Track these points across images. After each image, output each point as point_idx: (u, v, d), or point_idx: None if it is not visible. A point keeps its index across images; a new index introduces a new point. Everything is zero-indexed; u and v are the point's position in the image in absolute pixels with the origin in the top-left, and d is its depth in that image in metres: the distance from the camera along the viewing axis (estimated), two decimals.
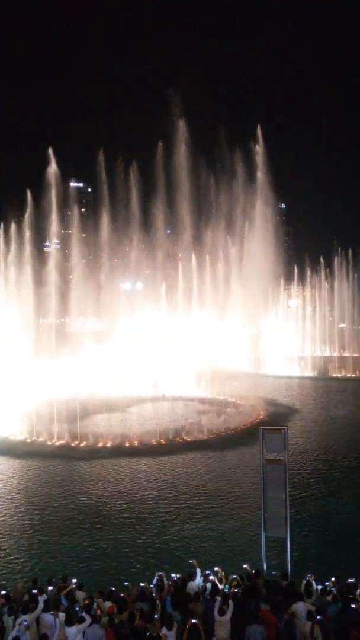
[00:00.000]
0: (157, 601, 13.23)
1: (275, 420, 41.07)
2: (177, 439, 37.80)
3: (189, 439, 37.78)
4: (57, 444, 37.14)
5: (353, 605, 12.45)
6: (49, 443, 37.36)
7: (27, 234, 67.82)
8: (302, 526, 21.12)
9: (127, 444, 36.44)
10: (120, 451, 35.16)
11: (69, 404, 43.16)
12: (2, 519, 24.54)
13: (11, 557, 20.38)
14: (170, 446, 36.17)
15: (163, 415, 45.47)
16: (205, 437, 38.18)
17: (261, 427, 15.79)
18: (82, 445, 36.53)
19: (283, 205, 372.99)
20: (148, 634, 11.98)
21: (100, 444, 36.48)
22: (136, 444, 36.39)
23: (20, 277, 65.09)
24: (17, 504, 26.52)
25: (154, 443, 36.66)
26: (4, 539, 22.12)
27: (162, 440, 37.10)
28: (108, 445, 36.28)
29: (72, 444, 36.79)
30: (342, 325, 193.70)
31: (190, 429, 39.18)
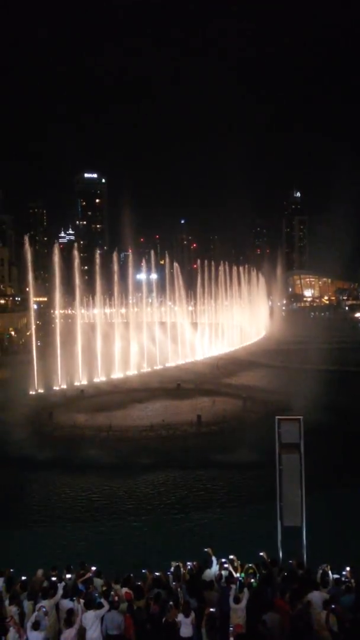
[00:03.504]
0: (176, 589, 13.33)
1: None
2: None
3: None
4: None
5: None
6: None
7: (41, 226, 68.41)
8: (319, 515, 21.08)
9: None
10: None
11: None
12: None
13: (33, 544, 20.75)
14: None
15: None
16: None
17: (277, 417, 15.70)
18: None
19: (298, 194, 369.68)
20: (164, 619, 12.13)
21: None
22: None
23: (34, 268, 65.49)
24: None
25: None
26: (24, 526, 22.53)
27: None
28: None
29: None
30: (358, 315, 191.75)
31: None
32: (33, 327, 68.82)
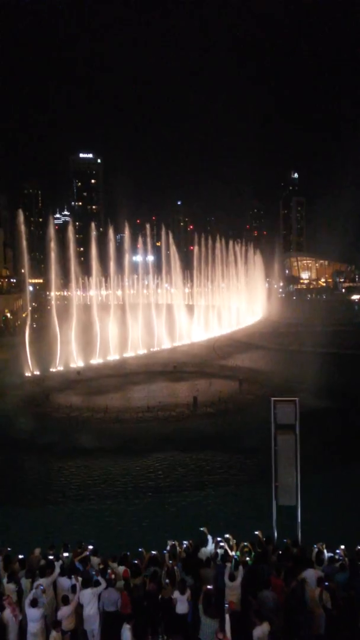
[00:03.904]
0: (172, 567, 13.50)
1: None
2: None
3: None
4: None
5: None
6: None
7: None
8: (314, 494, 21.30)
9: None
10: None
11: None
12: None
13: (31, 523, 20.93)
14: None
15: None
16: None
17: (272, 398, 15.75)
18: None
19: (296, 175, 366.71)
20: (160, 596, 12.32)
21: None
22: None
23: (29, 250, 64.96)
24: None
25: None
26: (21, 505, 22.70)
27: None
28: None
29: None
30: (354, 297, 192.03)
31: None
32: (29, 308, 68.63)
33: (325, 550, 13.98)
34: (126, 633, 11.26)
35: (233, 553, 14.21)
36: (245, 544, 14.74)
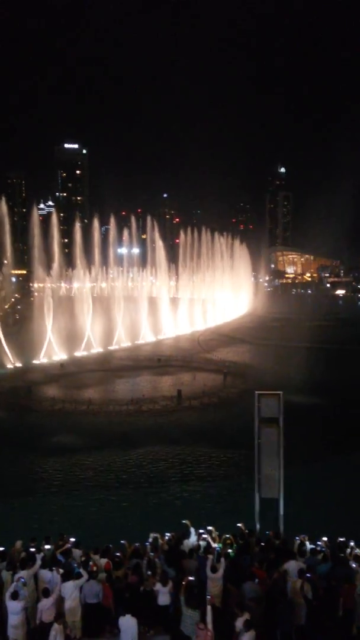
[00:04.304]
0: (154, 559, 13.47)
1: None
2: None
3: None
4: None
5: (349, 565, 12.73)
6: None
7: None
8: (297, 487, 21.45)
9: None
10: None
11: None
12: None
13: (13, 516, 20.73)
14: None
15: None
16: None
17: (257, 392, 15.76)
18: None
19: (283, 170, 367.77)
20: (142, 588, 12.29)
21: None
22: None
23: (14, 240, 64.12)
24: None
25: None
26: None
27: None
28: None
29: None
30: (338, 292, 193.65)
31: None
32: (12, 300, 67.82)
33: (307, 542, 14.09)
34: (129, 621, 11.07)
35: (215, 545, 14.24)
36: (228, 536, 14.77)
